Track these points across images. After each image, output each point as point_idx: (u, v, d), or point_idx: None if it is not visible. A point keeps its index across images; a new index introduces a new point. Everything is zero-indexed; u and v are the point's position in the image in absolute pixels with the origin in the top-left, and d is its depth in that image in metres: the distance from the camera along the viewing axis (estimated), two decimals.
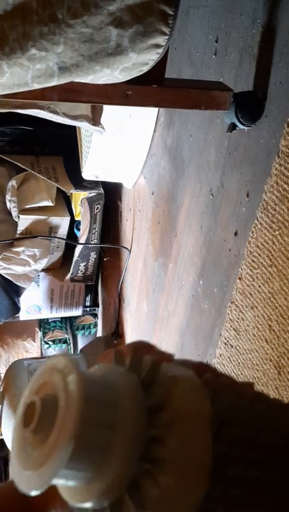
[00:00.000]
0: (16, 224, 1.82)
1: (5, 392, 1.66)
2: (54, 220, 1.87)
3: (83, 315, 2.21)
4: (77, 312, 2.17)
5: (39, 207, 1.81)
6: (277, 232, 0.87)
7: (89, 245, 1.93)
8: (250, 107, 0.91)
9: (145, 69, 0.77)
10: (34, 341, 2.32)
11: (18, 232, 1.83)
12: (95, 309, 2.18)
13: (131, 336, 1.90)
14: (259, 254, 0.93)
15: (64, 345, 2.26)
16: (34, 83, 0.72)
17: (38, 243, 1.86)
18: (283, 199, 0.85)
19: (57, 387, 0.25)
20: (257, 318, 0.94)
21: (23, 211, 1.79)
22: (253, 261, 0.95)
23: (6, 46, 0.67)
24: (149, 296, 1.65)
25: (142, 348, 0.33)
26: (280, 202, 0.86)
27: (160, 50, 0.74)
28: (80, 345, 2.30)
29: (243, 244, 0.99)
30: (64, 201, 1.94)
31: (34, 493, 0.24)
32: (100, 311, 2.17)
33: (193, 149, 1.24)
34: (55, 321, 2.25)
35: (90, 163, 1.61)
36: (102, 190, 1.83)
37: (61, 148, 1.91)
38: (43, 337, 2.24)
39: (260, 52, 0.91)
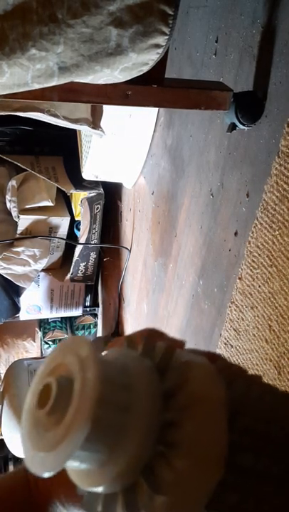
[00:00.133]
0: (16, 224, 1.82)
1: (5, 392, 1.66)
2: (54, 220, 1.87)
3: (83, 315, 2.21)
4: (77, 312, 2.17)
5: (39, 207, 1.81)
6: (277, 232, 0.87)
7: (89, 245, 1.93)
8: (250, 107, 0.91)
9: (145, 69, 0.77)
10: (34, 341, 2.32)
11: (18, 232, 1.83)
12: (95, 309, 2.18)
13: None
14: (259, 254, 0.93)
15: None
16: (34, 83, 0.72)
17: (38, 243, 1.86)
18: (283, 199, 0.85)
19: (72, 369, 0.25)
20: (257, 318, 0.94)
21: (23, 211, 1.79)
22: (253, 261, 0.95)
23: (6, 46, 0.67)
24: (149, 296, 1.65)
25: (154, 334, 0.33)
26: (280, 202, 0.86)
27: (160, 50, 0.74)
28: None
29: (243, 244, 0.99)
30: (64, 201, 1.94)
31: (47, 474, 0.24)
32: (100, 311, 2.16)
33: (193, 149, 1.24)
34: (55, 321, 2.25)
35: (90, 163, 1.61)
36: (102, 190, 1.83)
37: (61, 148, 1.91)
38: (43, 337, 2.24)
39: (260, 52, 0.91)
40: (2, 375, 1.93)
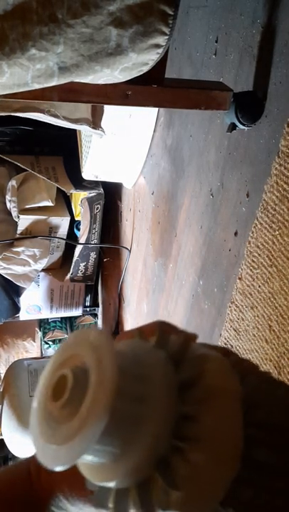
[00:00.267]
0: (16, 224, 1.82)
1: (5, 392, 1.66)
2: (54, 220, 1.87)
3: (83, 315, 2.21)
4: (77, 312, 2.17)
5: (39, 207, 1.81)
6: (277, 232, 0.87)
7: (89, 245, 1.93)
8: (250, 107, 0.91)
9: (145, 69, 0.77)
10: (34, 341, 2.32)
11: (18, 232, 1.83)
12: (94, 309, 2.18)
13: None
14: (259, 254, 0.93)
15: None
16: (34, 83, 0.72)
17: (38, 243, 1.86)
18: (283, 199, 0.85)
19: (86, 360, 0.24)
20: (257, 318, 0.94)
21: (23, 211, 1.79)
22: (253, 261, 0.95)
23: (6, 46, 0.67)
24: (149, 296, 1.65)
25: (166, 327, 0.33)
26: (280, 202, 0.86)
27: (160, 50, 0.74)
28: None
29: (243, 244, 0.99)
30: (64, 201, 1.94)
31: (60, 468, 0.23)
32: (99, 311, 2.16)
33: (193, 149, 1.24)
34: (55, 321, 2.25)
35: (90, 163, 1.61)
36: (102, 190, 1.83)
37: (61, 148, 1.91)
38: (43, 337, 2.24)
39: (260, 52, 0.91)
40: (2, 375, 1.93)
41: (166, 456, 0.25)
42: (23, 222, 1.81)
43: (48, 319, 2.23)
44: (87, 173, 1.68)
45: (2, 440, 1.63)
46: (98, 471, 0.26)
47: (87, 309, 2.17)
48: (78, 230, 1.92)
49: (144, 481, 0.25)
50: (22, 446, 1.53)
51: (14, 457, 2.16)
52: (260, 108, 0.91)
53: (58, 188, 1.81)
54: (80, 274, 2.02)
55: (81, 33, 0.68)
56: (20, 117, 0.96)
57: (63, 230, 1.91)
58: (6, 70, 0.69)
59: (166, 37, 0.72)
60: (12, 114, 0.89)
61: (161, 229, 1.50)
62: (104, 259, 2.04)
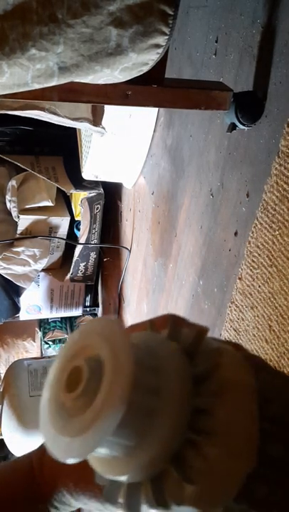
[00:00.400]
0: (16, 224, 1.82)
1: (5, 392, 1.66)
2: (54, 220, 1.87)
3: (83, 315, 2.21)
4: (77, 312, 2.17)
5: (39, 207, 1.81)
6: (277, 232, 0.87)
7: (89, 245, 1.93)
8: (250, 107, 0.91)
9: (145, 69, 0.77)
10: (34, 341, 2.32)
11: (18, 232, 1.83)
12: (95, 309, 2.18)
13: None
14: (259, 254, 0.93)
15: None
16: (34, 83, 0.72)
17: (38, 243, 1.86)
18: (283, 199, 0.85)
19: (100, 351, 0.24)
20: (257, 318, 0.94)
21: (23, 211, 1.79)
22: (253, 261, 0.95)
23: (6, 46, 0.67)
24: (149, 296, 1.65)
25: (177, 319, 0.32)
26: (280, 202, 0.86)
27: (160, 50, 0.74)
28: None
29: (243, 244, 0.99)
30: (64, 201, 1.94)
31: (72, 460, 0.22)
32: (99, 311, 2.16)
33: (193, 149, 1.24)
34: (55, 321, 2.25)
35: (90, 163, 1.61)
36: (102, 190, 1.83)
37: (61, 148, 1.91)
38: (43, 337, 2.24)
39: (260, 52, 0.91)
40: (2, 375, 1.93)
41: (180, 449, 0.24)
42: (23, 222, 1.81)
43: (48, 319, 2.24)
44: (87, 173, 1.68)
45: (2, 440, 1.63)
46: (110, 465, 0.25)
47: (87, 309, 2.17)
48: (78, 230, 1.92)
49: (158, 475, 0.24)
50: (22, 446, 1.53)
51: (14, 457, 2.16)
52: (260, 108, 0.91)
53: (58, 188, 1.81)
54: (80, 274, 2.02)
55: (81, 33, 0.68)
56: (20, 117, 0.96)
57: (63, 230, 1.91)
58: (6, 70, 0.69)
59: (166, 37, 0.72)
60: (12, 112, 0.89)
61: (161, 229, 1.50)
62: (105, 259, 2.04)
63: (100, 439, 0.22)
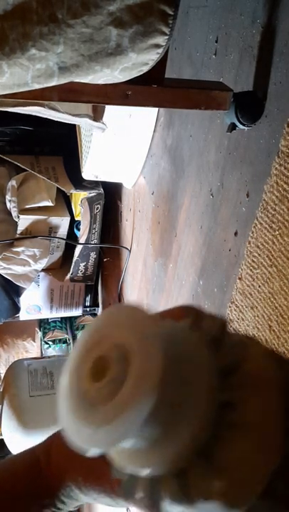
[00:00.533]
0: (16, 224, 1.82)
1: (5, 392, 1.66)
2: (54, 220, 1.87)
3: (83, 315, 2.21)
4: (77, 312, 2.17)
5: (39, 207, 1.81)
6: (277, 232, 0.87)
7: (89, 245, 1.93)
8: (250, 107, 0.91)
9: (145, 69, 0.77)
10: (34, 341, 2.32)
11: (18, 232, 1.83)
12: (95, 309, 2.18)
13: None
14: (259, 254, 0.93)
15: (64, 346, 2.26)
16: (34, 83, 0.72)
17: (38, 243, 1.86)
18: (283, 199, 0.85)
19: (126, 340, 0.23)
20: (257, 318, 0.94)
21: (23, 211, 1.79)
22: (253, 261, 0.95)
23: (6, 46, 0.67)
24: (149, 296, 1.65)
25: (198, 310, 0.31)
26: (280, 202, 0.86)
27: (160, 50, 0.74)
28: None
29: (243, 244, 0.99)
30: (64, 201, 1.94)
31: (97, 451, 0.21)
32: (99, 311, 2.16)
33: (193, 149, 1.24)
34: (55, 321, 2.25)
35: (90, 163, 1.61)
36: (102, 190, 1.83)
37: (61, 148, 1.91)
38: (43, 337, 2.24)
39: (260, 52, 0.91)
40: (2, 375, 1.94)
41: (207, 443, 0.23)
42: (23, 222, 1.81)
43: (48, 319, 2.24)
44: (87, 173, 1.68)
45: (2, 440, 1.63)
46: (132, 457, 0.24)
47: (87, 309, 2.17)
48: (78, 230, 1.92)
49: (182, 470, 0.23)
50: (22, 446, 1.53)
51: None
52: (260, 108, 0.91)
53: (58, 188, 1.81)
54: (80, 274, 2.02)
55: (81, 33, 0.68)
56: (21, 117, 0.95)
57: (63, 230, 1.91)
58: (6, 70, 0.69)
59: (166, 37, 0.72)
60: (12, 110, 0.89)
61: (161, 229, 1.50)
62: (105, 259, 2.04)
63: (127, 430, 0.21)
